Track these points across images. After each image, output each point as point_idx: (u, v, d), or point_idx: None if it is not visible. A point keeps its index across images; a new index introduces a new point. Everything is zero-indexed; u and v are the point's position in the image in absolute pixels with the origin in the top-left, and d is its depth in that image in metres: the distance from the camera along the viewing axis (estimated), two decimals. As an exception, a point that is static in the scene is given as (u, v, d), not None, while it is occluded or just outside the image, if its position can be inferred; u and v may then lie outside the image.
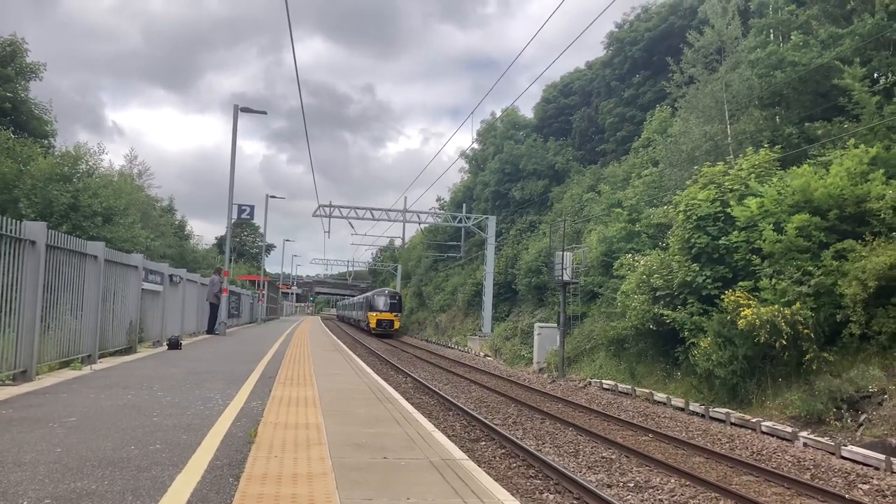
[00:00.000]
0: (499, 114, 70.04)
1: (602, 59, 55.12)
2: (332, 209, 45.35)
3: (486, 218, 48.42)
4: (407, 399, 17.15)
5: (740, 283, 17.85)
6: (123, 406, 8.25)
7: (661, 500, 9.89)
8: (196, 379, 11.43)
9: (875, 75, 22.13)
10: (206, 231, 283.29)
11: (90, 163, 33.94)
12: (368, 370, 15.74)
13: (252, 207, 30.32)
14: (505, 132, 64.99)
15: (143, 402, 8.66)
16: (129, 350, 15.88)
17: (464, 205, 60.81)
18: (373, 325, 58.04)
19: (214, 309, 26.36)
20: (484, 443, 13.77)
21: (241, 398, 9.39)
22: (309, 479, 5.11)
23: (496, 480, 9.66)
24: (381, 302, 59.61)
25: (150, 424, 7.12)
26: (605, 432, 15.15)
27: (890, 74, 21.24)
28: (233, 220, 29.08)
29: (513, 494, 9.08)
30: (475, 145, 69.31)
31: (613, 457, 12.75)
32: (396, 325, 59.33)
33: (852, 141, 18.38)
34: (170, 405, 8.48)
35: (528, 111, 72.04)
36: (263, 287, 53.92)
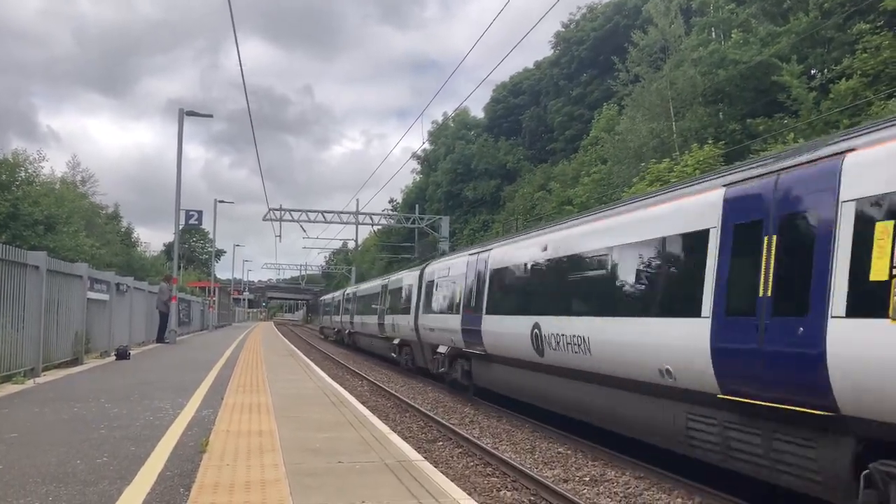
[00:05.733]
0: (445, 114, 70.31)
1: (550, 58, 55.78)
2: (282, 213, 44.86)
3: (440, 218, 48.49)
4: (363, 402, 17.06)
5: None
6: (69, 419, 8.01)
7: (615, 493, 10.01)
8: (145, 389, 11.18)
9: (812, 72, 22.85)
10: (153, 238, 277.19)
11: (30, 170, 33.01)
12: (323, 375, 15.62)
13: (200, 213, 29.79)
14: (456, 132, 65.27)
15: (90, 414, 8.42)
16: (74, 362, 15.44)
17: (416, 206, 60.80)
18: None
19: (164, 317, 25.83)
20: (441, 443, 13.74)
21: (192, 407, 9.22)
22: (262, 487, 5.04)
23: (453, 480, 9.69)
24: None
25: (97, 437, 6.93)
26: (560, 428, 15.28)
27: (826, 71, 21.96)
28: (181, 226, 28.54)
29: (469, 493, 9.11)
30: (426, 145, 69.43)
31: (570, 452, 12.86)
32: None
33: (792, 135, 18.94)
34: (117, 417, 8.27)
35: (478, 111, 72.58)
36: (214, 293, 53.03)
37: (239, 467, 5.66)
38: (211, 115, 28.41)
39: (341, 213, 47.66)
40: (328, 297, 56.32)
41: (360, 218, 48.41)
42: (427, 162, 72.24)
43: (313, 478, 5.38)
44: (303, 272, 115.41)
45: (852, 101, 19.50)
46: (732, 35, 24.55)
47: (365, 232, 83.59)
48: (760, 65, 22.82)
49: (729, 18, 26.21)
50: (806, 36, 22.14)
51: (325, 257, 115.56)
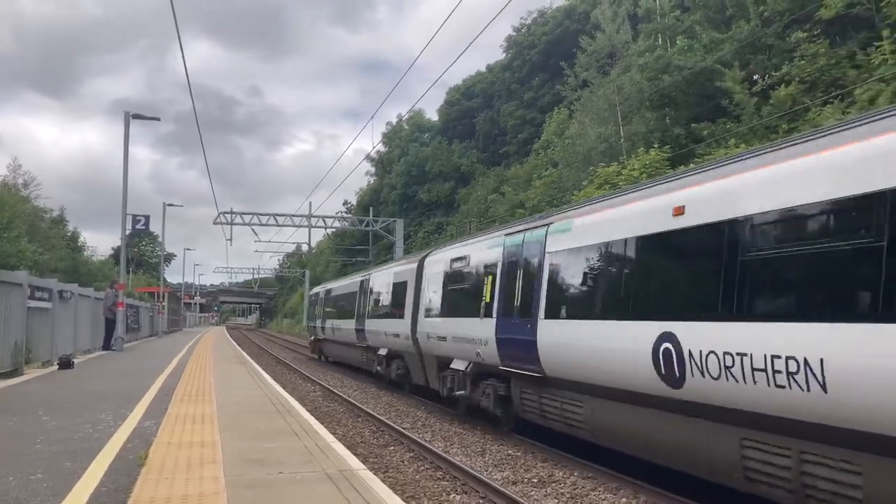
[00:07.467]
0: (399, 116, 70.29)
1: (502, 62, 56.25)
2: (233, 216, 44.26)
3: (394, 221, 48.42)
4: (315, 408, 16.96)
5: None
6: (3, 434, 7.80)
7: (562, 494, 10.15)
8: (87, 400, 10.94)
9: (754, 77, 23.48)
10: (100, 242, 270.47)
11: (-33, 174, 32.01)
12: (272, 382, 15.48)
13: (147, 217, 29.27)
14: (410, 134, 65.29)
15: (26, 428, 8.21)
16: (14, 373, 15.00)
17: (371, 208, 60.61)
18: None
19: (110, 324, 25.30)
20: (392, 447, 13.72)
21: (134, 418, 9.06)
22: (199, 500, 5.00)
23: (402, 486, 9.72)
24: None
25: (32, 452, 6.77)
26: (510, 431, 15.39)
27: (767, 77, 22.59)
28: (127, 232, 27.96)
29: (419, 499, 9.15)
30: (380, 147, 69.23)
31: (520, 454, 12.98)
32: None
33: (733, 141, 19.45)
34: (56, 430, 8.09)
35: (432, 113, 72.69)
36: (163, 298, 52.02)
37: (177, 481, 5.60)
38: (158, 119, 27.98)
39: (293, 215, 47.24)
40: (340, 285, 28.53)
41: (314, 221, 48.04)
42: (381, 164, 72.09)
43: (252, 490, 5.36)
44: (255, 276, 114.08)
45: (791, 106, 20.13)
46: (678, 41, 25.12)
47: (319, 235, 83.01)
48: (704, 70, 23.38)
49: (674, 25, 26.82)
50: (747, 43, 22.76)
51: (279, 260, 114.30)
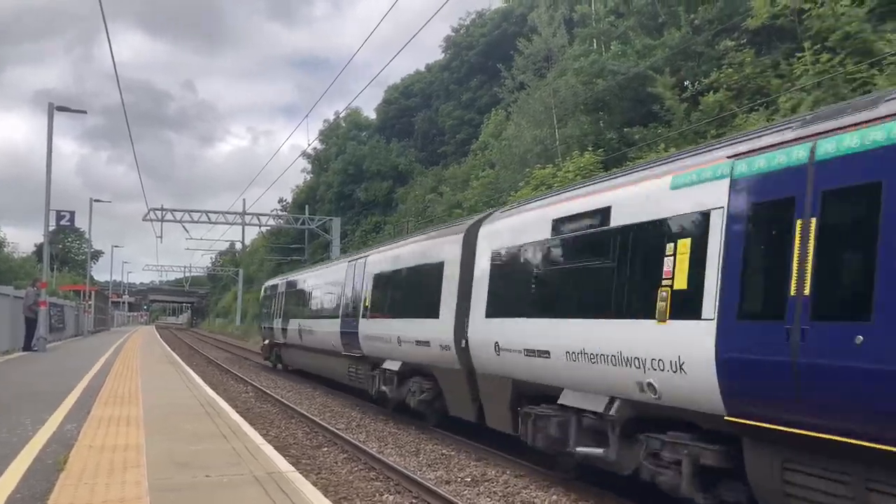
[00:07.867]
0: (336, 113, 69.78)
1: (440, 62, 56.41)
2: (164, 213, 43.09)
3: (331, 220, 47.99)
4: (247, 409, 16.66)
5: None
6: (-90, 440, 7.40)
7: (494, 493, 10.24)
8: (3, 402, 10.48)
9: (684, 83, 24.15)
10: (23, 238, 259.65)
11: None
12: (201, 383, 15.15)
13: (72, 213, 28.26)
14: (347, 132, 64.82)
15: (-64, 433, 7.81)
16: (-76, 375, 14.28)
17: (307, 206, 59.92)
18: None
19: (31, 323, 24.34)
20: (326, 448, 13.60)
21: (55, 421, 8.73)
22: (121, 506, 4.85)
23: (335, 487, 9.65)
24: None
25: (-58, 459, 6.44)
26: (445, 430, 15.45)
27: (696, 84, 23.27)
28: (51, 228, 26.92)
29: (351, 500, 9.10)
30: (317, 144, 68.47)
31: (453, 453, 13.03)
32: None
33: (663, 145, 19.97)
34: (-32, 435, 7.72)
35: (370, 111, 72.26)
36: (90, 297, 50.32)
37: (98, 485, 5.42)
38: (84, 112, 27.00)
39: (227, 213, 46.31)
40: (314, 273, 23.64)
41: (248, 218, 47.21)
42: (318, 161, 71.30)
43: (177, 493, 5.23)
44: (187, 274, 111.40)
45: (719, 112, 20.79)
46: (612, 46, 25.70)
47: (253, 232, 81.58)
48: (637, 76, 23.94)
49: (609, 30, 27.42)
50: (678, 50, 23.43)
51: (211, 259, 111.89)
